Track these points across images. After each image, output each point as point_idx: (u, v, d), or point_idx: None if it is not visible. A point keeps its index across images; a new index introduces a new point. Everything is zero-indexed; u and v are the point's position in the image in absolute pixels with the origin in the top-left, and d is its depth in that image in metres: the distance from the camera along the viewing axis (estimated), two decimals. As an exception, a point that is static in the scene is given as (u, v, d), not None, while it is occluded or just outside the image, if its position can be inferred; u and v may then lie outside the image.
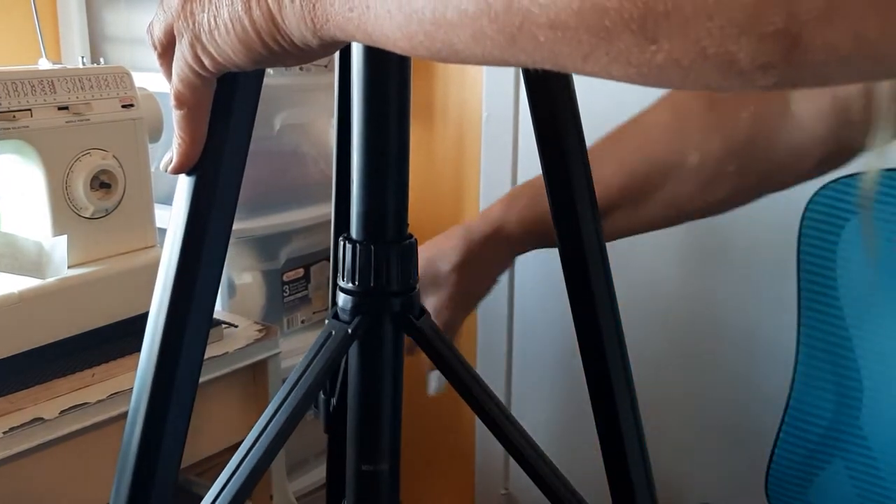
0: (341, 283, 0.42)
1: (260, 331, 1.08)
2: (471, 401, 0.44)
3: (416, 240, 0.43)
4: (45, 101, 0.94)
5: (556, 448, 1.37)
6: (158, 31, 0.36)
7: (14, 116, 0.91)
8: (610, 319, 0.45)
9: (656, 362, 1.22)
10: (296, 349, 1.29)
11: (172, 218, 0.38)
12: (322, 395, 0.55)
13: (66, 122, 0.96)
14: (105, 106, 0.99)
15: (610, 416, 0.45)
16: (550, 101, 0.43)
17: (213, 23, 0.34)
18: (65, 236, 0.95)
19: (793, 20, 0.18)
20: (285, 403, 0.40)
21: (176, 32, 0.36)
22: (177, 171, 0.38)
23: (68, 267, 0.96)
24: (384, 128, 0.40)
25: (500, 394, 1.42)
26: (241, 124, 0.37)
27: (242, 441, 1.13)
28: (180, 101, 0.37)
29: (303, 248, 1.31)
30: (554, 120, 0.43)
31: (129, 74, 1.03)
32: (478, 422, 1.62)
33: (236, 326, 1.08)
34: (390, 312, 0.42)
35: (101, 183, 0.99)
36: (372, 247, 0.41)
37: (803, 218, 0.82)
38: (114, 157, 1.00)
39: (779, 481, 0.85)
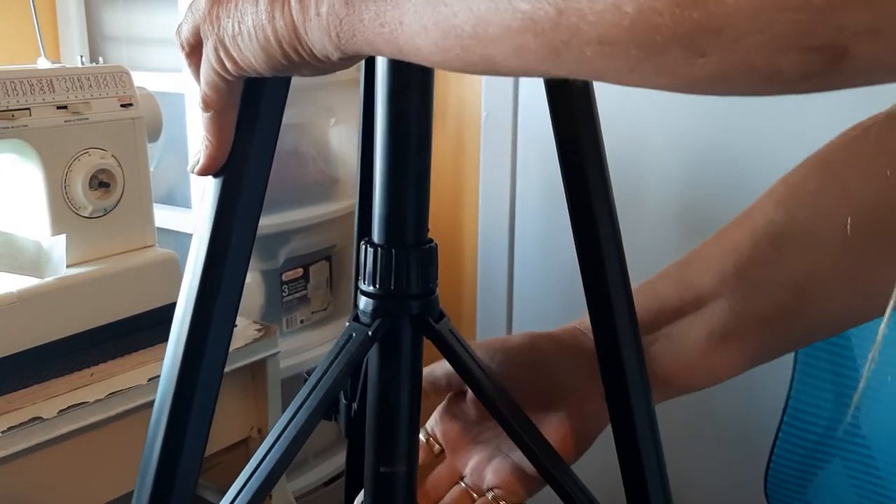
0: (362, 286, 0.43)
1: (259, 330, 1.07)
2: (489, 406, 0.44)
3: (436, 244, 0.43)
4: (43, 100, 0.94)
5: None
6: (186, 32, 0.37)
7: (13, 116, 0.91)
8: (626, 322, 0.45)
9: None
10: (295, 349, 1.28)
11: (199, 219, 0.38)
12: (343, 400, 0.55)
13: (65, 121, 0.95)
14: (104, 105, 0.99)
15: (628, 427, 0.45)
16: (571, 112, 0.43)
17: (236, 28, 0.34)
18: (63, 235, 0.95)
19: (840, 33, 0.18)
20: (305, 404, 0.40)
21: (202, 35, 0.36)
22: (203, 172, 0.38)
23: (67, 266, 0.95)
24: (405, 131, 0.40)
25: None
26: (268, 128, 0.38)
27: (241, 440, 1.12)
28: (206, 104, 0.37)
29: (302, 248, 1.31)
30: (575, 137, 0.43)
31: (128, 74, 1.03)
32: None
33: (235, 326, 1.08)
34: (409, 315, 0.42)
35: (100, 182, 0.99)
36: (392, 250, 0.41)
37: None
38: (113, 156, 1.00)
39: (778, 481, 0.86)
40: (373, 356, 0.43)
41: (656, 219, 1.25)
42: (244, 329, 1.08)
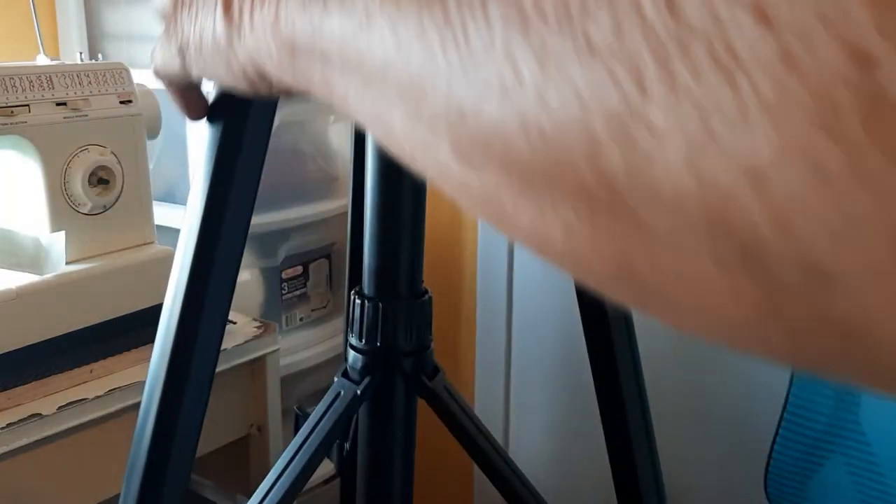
0: (352, 341, 0.40)
1: (258, 327, 1.07)
2: (485, 466, 0.42)
3: (430, 297, 0.40)
4: (42, 96, 0.93)
5: (556, 455, 1.38)
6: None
7: (11, 112, 0.91)
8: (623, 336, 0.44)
9: (653, 360, 1.22)
10: (294, 346, 1.28)
11: (188, 211, 0.37)
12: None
13: (64, 117, 0.95)
14: (103, 102, 0.99)
15: (622, 432, 0.44)
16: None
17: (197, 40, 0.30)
18: (62, 232, 0.95)
19: None
20: (290, 466, 0.38)
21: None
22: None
23: (66, 263, 0.95)
24: (398, 180, 0.37)
25: (498, 403, 1.42)
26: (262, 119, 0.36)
27: (240, 438, 1.11)
28: (161, 79, 0.35)
29: (302, 246, 1.31)
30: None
31: (127, 70, 1.03)
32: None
33: (234, 323, 1.08)
34: (401, 372, 0.39)
35: (100, 179, 0.99)
36: (380, 304, 0.38)
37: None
38: (112, 153, 1.00)
39: (778, 478, 0.86)
40: (363, 415, 0.40)
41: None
42: (243, 326, 1.08)
